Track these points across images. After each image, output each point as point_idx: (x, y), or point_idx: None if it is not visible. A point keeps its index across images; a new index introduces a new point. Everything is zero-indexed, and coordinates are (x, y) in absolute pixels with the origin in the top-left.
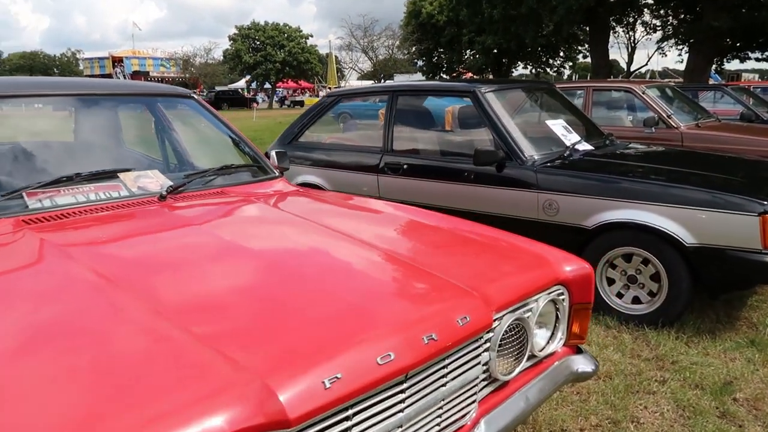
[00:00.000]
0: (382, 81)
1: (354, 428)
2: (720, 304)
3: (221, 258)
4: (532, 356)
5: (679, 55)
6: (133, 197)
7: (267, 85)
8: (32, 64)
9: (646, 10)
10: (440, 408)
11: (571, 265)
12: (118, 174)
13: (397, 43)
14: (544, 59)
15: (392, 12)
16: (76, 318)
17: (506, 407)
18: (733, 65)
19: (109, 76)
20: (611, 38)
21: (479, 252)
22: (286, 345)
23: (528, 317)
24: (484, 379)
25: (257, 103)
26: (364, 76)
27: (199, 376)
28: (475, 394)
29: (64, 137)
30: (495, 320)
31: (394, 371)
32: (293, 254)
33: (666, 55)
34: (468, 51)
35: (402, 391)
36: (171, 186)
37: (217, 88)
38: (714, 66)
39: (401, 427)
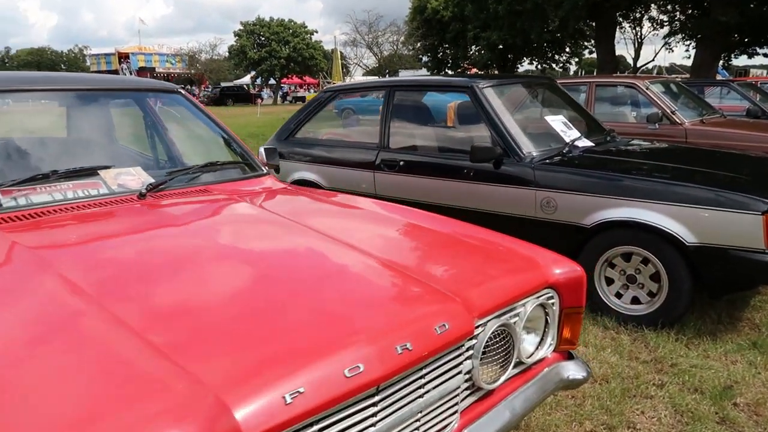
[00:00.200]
0: (387, 77)
1: None
2: (722, 304)
3: (192, 261)
4: (519, 363)
5: (686, 50)
6: (113, 195)
7: (272, 81)
8: (40, 60)
9: (653, 5)
10: (417, 420)
11: (562, 268)
12: (98, 171)
13: (402, 38)
14: (550, 55)
15: (397, 8)
16: (28, 325)
17: (490, 417)
18: (740, 61)
19: (116, 72)
20: (617, 34)
21: (465, 254)
22: (249, 356)
23: (515, 323)
24: (466, 389)
25: (262, 99)
26: (369, 72)
27: (147, 391)
28: (456, 404)
29: (51, 133)
30: (478, 327)
31: (364, 384)
32: (269, 257)
33: (673, 51)
34: (473, 47)
35: (374, 404)
36: (151, 184)
37: (223, 84)
38: (721, 62)
39: None
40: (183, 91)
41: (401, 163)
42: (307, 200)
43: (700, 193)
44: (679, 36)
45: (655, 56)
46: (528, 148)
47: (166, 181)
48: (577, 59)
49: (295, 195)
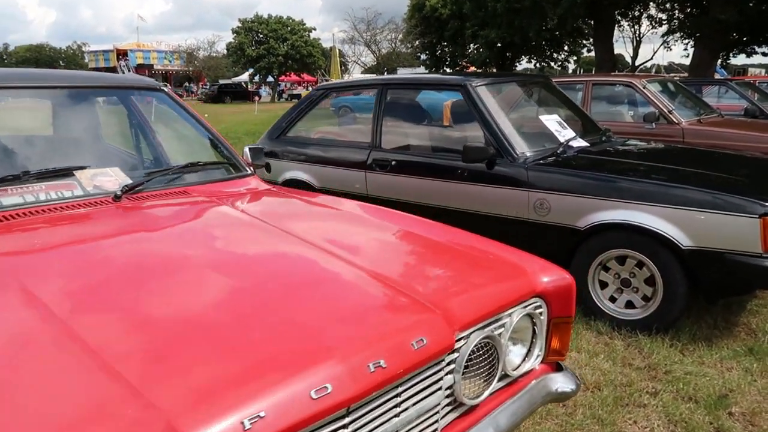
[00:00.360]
0: (386, 74)
1: None
2: (718, 308)
3: (159, 270)
4: (504, 376)
5: (685, 49)
6: (87, 197)
7: (270, 79)
8: (38, 56)
9: (651, 3)
10: None
11: (550, 275)
12: (73, 172)
13: (401, 36)
14: (548, 53)
15: (396, 5)
16: None
17: None
18: (739, 60)
19: (114, 69)
20: (616, 32)
21: (449, 261)
22: (207, 376)
23: (500, 334)
24: (447, 404)
25: (259, 96)
26: (367, 70)
27: (94, 416)
28: (436, 422)
29: (30, 131)
30: (459, 340)
31: (332, 406)
32: (241, 266)
33: (671, 50)
34: (471, 45)
35: (344, 427)
36: (126, 186)
37: (221, 81)
38: (720, 60)
39: None
40: (166, 89)
41: (393, 162)
42: (290, 203)
43: (696, 195)
44: (678, 35)
45: (654, 55)
46: (521, 148)
47: (143, 182)
48: (575, 57)
49: (278, 197)
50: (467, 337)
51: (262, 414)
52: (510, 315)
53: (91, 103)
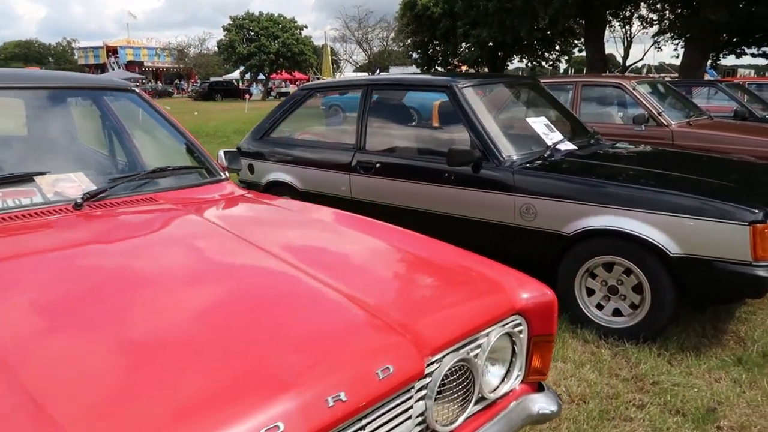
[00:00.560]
0: (378, 73)
1: None
2: (706, 316)
3: (106, 289)
4: (481, 399)
5: (675, 50)
6: (47, 205)
7: (261, 77)
8: (27, 52)
9: (642, 3)
10: None
11: (530, 292)
12: (33, 177)
13: (392, 35)
14: (540, 53)
15: (388, 3)
16: None
17: None
18: (729, 60)
19: (104, 65)
20: (607, 32)
21: (422, 277)
22: (131, 419)
23: (476, 356)
24: None
25: (250, 94)
26: (359, 69)
27: None
28: None
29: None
30: (432, 363)
31: None
32: (197, 285)
33: (662, 50)
34: (463, 44)
35: None
36: (88, 193)
37: (212, 79)
38: (710, 61)
39: None
40: (138, 90)
41: (378, 165)
42: (262, 211)
43: (685, 201)
44: (668, 35)
45: (644, 55)
46: (508, 151)
47: (107, 189)
48: (567, 57)
49: (251, 205)
50: (440, 360)
51: None
52: (487, 335)
53: (61, 104)
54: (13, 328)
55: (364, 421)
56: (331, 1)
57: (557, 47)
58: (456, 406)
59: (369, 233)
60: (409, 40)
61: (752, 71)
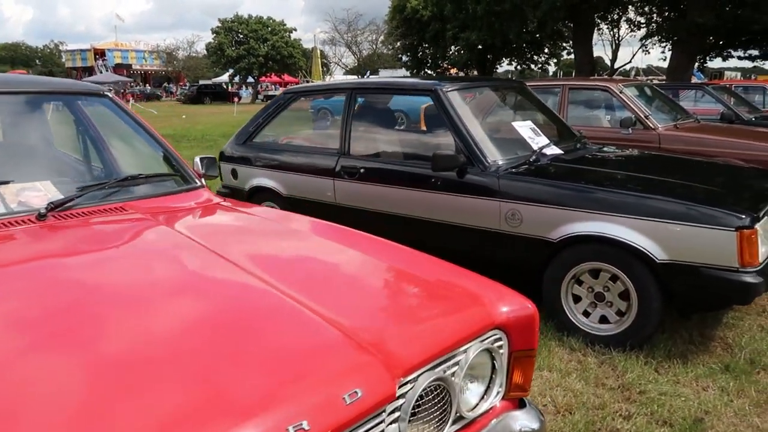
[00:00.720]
0: (368, 76)
1: None
2: (693, 322)
3: (67, 307)
4: (459, 418)
5: (663, 52)
6: (9, 215)
7: (251, 80)
8: (14, 55)
9: (630, 6)
10: None
11: (511, 305)
12: None
13: (382, 38)
14: (529, 56)
15: (378, 7)
16: None
17: None
18: (715, 63)
19: (92, 68)
20: (595, 35)
21: (397, 291)
22: None
23: (454, 373)
24: None
25: (239, 97)
26: (349, 72)
27: None
28: None
29: None
30: (406, 384)
31: None
32: (161, 302)
33: (649, 53)
34: (453, 47)
35: None
36: (52, 203)
37: (201, 82)
38: (697, 64)
39: None
40: (110, 95)
41: (362, 170)
42: (237, 220)
43: (671, 206)
44: (656, 38)
45: (632, 58)
46: (493, 156)
47: (73, 198)
48: (555, 60)
49: (226, 213)
50: (414, 380)
51: None
52: (465, 351)
53: (33, 109)
54: None
55: None
56: (320, 4)
57: (546, 50)
58: (432, 427)
59: (346, 244)
60: (398, 43)
61: (738, 74)
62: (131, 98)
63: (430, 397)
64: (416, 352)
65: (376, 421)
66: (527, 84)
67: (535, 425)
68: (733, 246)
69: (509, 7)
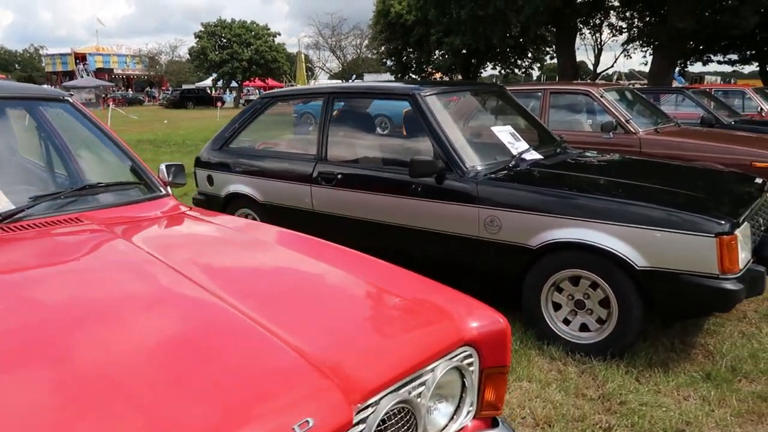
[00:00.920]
0: (353, 80)
1: None
2: (674, 329)
3: (4, 327)
4: None
5: (644, 57)
6: None
7: (234, 84)
8: None
9: (612, 11)
10: None
11: (481, 320)
12: None
13: (366, 42)
14: (513, 60)
15: (362, 11)
16: None
17: None
18: (696, 68)
19: (72, 72)
20: (578, 40)
21: (361, 307)
22: None
23: (420, 394)
24: None
25: (223, 102)
26: (333, 76)
27: None
28: None
29: None
30: (367, 408)
31: None
32: (104, 323)
33: (631, 57)
34: (437, 51)
35: None
36: (1, 214)
37: (184, 87)
38: (678, 68)
39: None
40: (71, 99)
41: (339, 176)
42: (200, 231)
43: (651, 212)
44: (637, 43)
45: (615, 62)
46: (472, 161)
47: (24, 209)
48: (539, 64)
49: (190, 223)
50: (376, 403)
51: None
52: (433, 370)
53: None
54: None
55: None
56: (305, 9)
57: (530, 55)
58: None
59: (313, 257)
60: (382, 48)
61: (718, 78)
62: (112, 103)
63: (394, 420)
64: (377, 374)
65: None
66: (509, 88)
67: None
68: (713, 252)
69: (493, 12)
